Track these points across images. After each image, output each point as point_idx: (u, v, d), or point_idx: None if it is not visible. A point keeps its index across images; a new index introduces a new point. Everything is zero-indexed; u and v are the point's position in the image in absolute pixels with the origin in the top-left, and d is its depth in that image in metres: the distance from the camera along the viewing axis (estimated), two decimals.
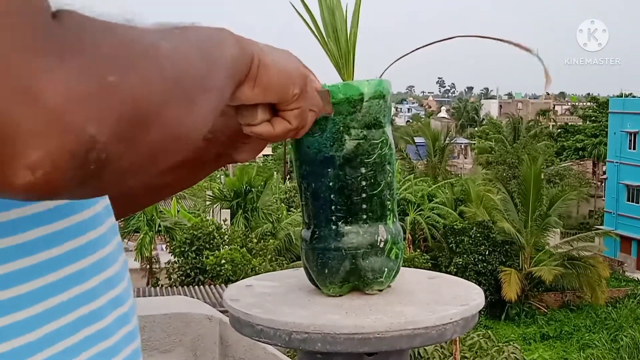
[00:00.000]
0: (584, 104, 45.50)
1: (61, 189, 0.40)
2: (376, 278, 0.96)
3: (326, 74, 0.93)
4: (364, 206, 0.95)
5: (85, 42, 0.41)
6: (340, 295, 0.98)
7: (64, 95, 0.39)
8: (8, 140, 0.38)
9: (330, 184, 0.95)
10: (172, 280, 18.54)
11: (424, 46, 1.03)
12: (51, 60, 0.39)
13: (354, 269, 0.96)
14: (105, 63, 0.42)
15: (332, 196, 0.95)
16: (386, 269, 0.96)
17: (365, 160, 0.94)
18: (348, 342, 0.87)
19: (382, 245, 0.96)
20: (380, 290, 0.98)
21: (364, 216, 0.95)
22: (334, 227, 0.96)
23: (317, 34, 0.97)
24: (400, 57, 1.04)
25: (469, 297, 0.98)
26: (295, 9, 0.95)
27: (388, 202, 0.97)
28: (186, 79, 0.50)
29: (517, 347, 15.71)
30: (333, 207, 0.96)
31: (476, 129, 47.92)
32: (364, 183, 0.94)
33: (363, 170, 0.94)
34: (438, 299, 0.97)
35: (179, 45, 0.51)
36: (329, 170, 0.95)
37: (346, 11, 0.97)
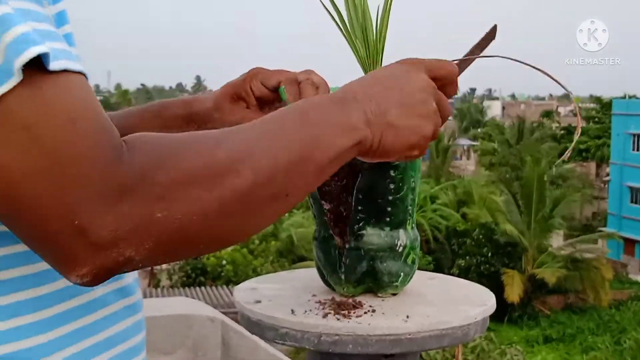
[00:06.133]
0: (588, 105, 45.43)
1: (101, 282, 0.55)
2: (392, 282, 0.96)
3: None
4: (389, 209, 0.95)
5: (146, 178, 0.52)
6: (354, 296, 0.97)
7: (111, 236, 0.51)
8: (66, 260, 0.53)
9: (359, 185, 0.94)
10: (173, 281, 18.56)
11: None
12: (106, 204, 0.51)
13: (370, 271, 0.96)
14: (157, 200, 0.52)
15: (359, 197, 0.95)
16: (402, 274, 0.96)
17: (394, 164, 0.94)
18: (380, 344, 0.86)
19: (400, 249, 0.96)
20: (394, 294, 0.98)
21: (387, 219, 0.95)
22: (355, 227, 0.95)
23: (345, 33, 0.95)
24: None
25: (480, 296, 0.98)
26: (326, 7, 0.94)
27: (409, 207, 0.97)
28: (255, 199, 0.57)
29: (519, 350, 15.69)
30: (359, 208, 0.95)
31: (479, 130, 47.92)
32: (392, 186, 0.94)
33: (392, 173, 0.94)
34: (450, 299, 0.97)
35: (267, 152, 0.57)
36: (358, 172, 0.94)
37: (377, 12, 0.95)
